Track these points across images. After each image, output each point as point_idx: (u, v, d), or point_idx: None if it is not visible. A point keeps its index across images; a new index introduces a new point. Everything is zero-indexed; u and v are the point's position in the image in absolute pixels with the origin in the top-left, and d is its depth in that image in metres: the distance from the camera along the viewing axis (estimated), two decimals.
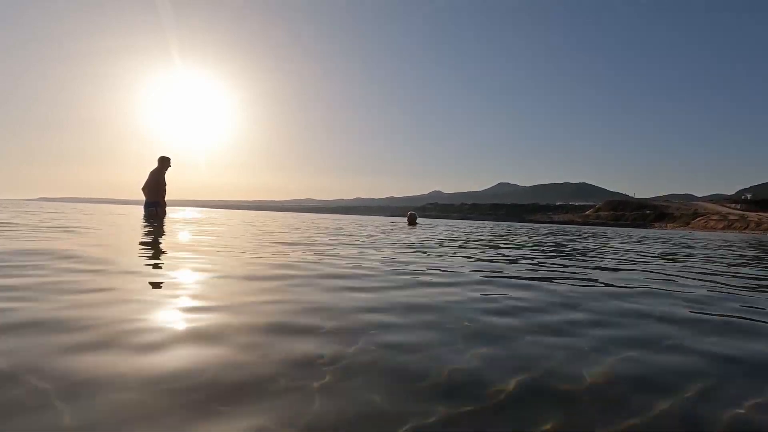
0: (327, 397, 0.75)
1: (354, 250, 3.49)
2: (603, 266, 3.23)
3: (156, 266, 2.13)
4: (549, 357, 1.04)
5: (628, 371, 0.97)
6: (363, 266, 2.50)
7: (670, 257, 4.59)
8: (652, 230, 49.49)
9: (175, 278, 1.84)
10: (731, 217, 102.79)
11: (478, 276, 2.34)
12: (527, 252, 4.34)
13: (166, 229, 5.15)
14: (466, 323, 1.30)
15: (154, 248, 2.97)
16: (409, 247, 4.15)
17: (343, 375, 0.86)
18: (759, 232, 77.18)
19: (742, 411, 0.79)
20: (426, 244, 4.74)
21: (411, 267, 2.58)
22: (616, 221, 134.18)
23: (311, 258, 2.79)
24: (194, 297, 1.48)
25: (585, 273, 2.74)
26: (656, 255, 4.81)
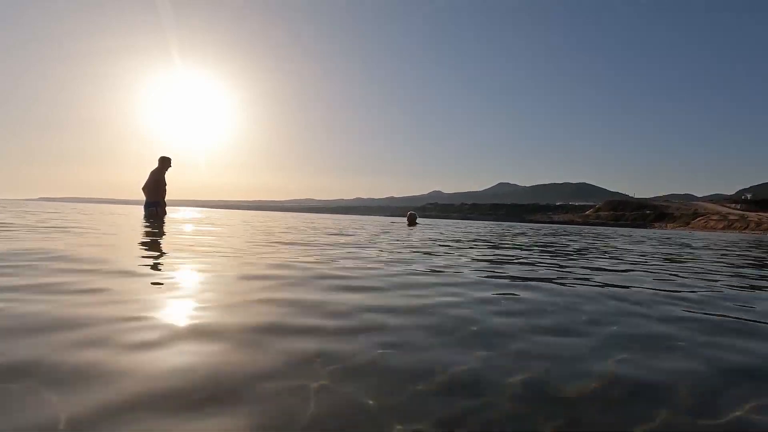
0: (324, 398, 0.74)
1: (353, 251, 3.48)
2: (605, 267, 3.22)
3: (153, 267, 2.13)
4: (549, 358, 1.03)
5: (629, 373, 0.96)
6: (362, 267, 2.49)
7: (671, 257, 4.58)
8: (652, 230, 49.49)
9: (171, 279, 1.83)
10: (731, 217, 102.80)
11: (478, 276, 2.33)
12: (527, 252, 4.33)
13: (165, 229, 5.14)
14: (466, 324, 1.29)
15: (152, 248, 2.97)
16: (409, 247, 4.15)
17: (342, 376, 0.85)
18: (759, 232, 77.17)
19: (740, 413, 0.78)
20: (426, 244, 4.74)
21: (411, 267, 2.57)
22: (616, 221, 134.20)
23: (311, 258, 2.78)
24: (190, 297, 1.47)
25: (586, 273, 2.73)
26: (658, 255, 4.80)
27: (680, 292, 2.12)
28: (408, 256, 3.24)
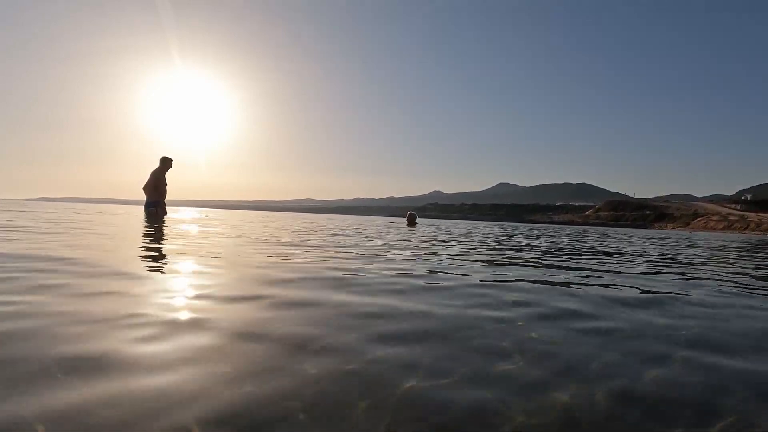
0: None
1: (353, 252, 3.46)
2: (608, 269, 3.21)
3: (150, 268, 2.11)
4: (550, 379, 0.99)
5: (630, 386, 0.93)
6: (362, 268, 2.47)
7: (672, 259, 4.56)
8: (653, 231, 49.46)
9: (168, 279, 1.80)
10: (731, 218, 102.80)
11: (479, 278, 2.31)
12: (527, 253, 4.32)
13: (164, 229, 5.13)
14: (468, 332, 1.27)
15: (150, 249, 2.95)
16: (408, 248, 4.13)
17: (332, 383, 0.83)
18: (759, 232, 77.14)
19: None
20: (425, 245, 4.72)
21: (410, 268, 2.55)
22: (616, 221, 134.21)
23: (310, 259, 2.76)
24: (188, 297, 1.45)
25: (586, 275, 2.71)
26: (660, 256, 4.79)
27: (686, 294, 2.10)
28: (407, 257, 3.22)
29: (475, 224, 24.10)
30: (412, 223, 12.77)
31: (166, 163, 9.59)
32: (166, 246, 3.26)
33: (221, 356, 0.94)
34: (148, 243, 3.42)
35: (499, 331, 1.26)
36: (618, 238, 10.87)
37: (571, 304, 1.71)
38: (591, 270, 3.02)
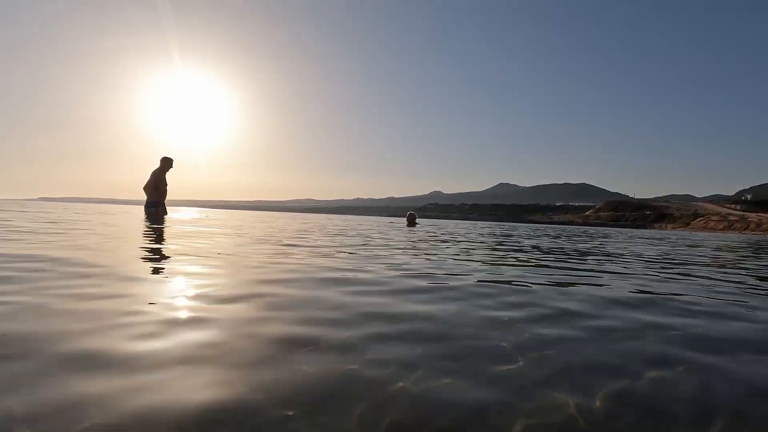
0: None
1: (352, 252, 3.46)
2: (608, 270, 3.21)
3: (149, 269, 2.11)
4: (551, 385, 0.98)
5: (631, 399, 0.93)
6: (361, 268, 2.47)
7: (675, 261, 4.56)
8: (653, 231, 49.49)
9: (168, 280, 1.80)
10: (731, 218, 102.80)
11: (478, 278, 2.31)
12: (527, 254, 4.32)
13: (164, 229, 5.13)
14: (466, 332, 1.27)
15: (149, 250, 2.95)
16: (407, 247, 4.14)
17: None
18: (759, 232, 77.14)
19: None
20: (424, 245, 4.72)
21: (409, 268, 2.55)
22: (616, 222, 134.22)
23: (310, 261, 2.77)
24: (187, 298, 1.45)
25: (586, 276, 2.71)
26: (663, 256, 4.79)
27: (681, 296, 2.10)
28: (406, 257, 3.22)
29: (475, 224, 24.09)
30: (411, 223, 12.76)
31: (166, 163, 9.59)
32: (166, 246, 3.26)
33: (218, 355, 0.94)
34: (148, 243, 3.42)
35: (498, 332, 1.25)
36: (618, 238, 10.86)
37: (570, 305, 1.70)
38: (591, 271, 3.02)
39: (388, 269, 2.50)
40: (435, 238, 6.40)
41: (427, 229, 10.67)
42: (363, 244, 4.34)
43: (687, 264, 3.99)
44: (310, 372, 0.88)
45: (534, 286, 2.15)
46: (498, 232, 11.38)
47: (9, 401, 0.68)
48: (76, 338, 1.00)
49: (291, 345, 1.04)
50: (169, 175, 9.69)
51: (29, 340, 0.98)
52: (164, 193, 9.66)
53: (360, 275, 2.22)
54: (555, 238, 9.43)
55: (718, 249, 7.74)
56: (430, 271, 2.53)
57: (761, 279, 3.04)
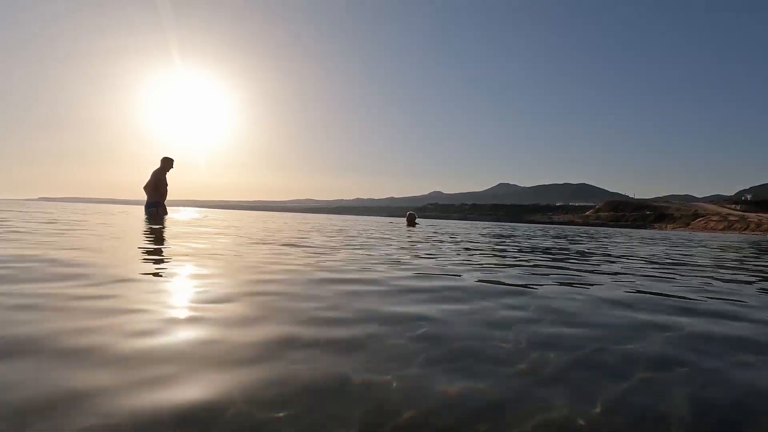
0: None
1: (351, 253, 3.46)
2: (607, 271, 3.20)
3: (148, 270, 2.10)
4: (544, 401, 0.97)
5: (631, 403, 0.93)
6: (359, 268, 2.47)
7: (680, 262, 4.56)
8: (653, 231, 49.49)
9: (167, 281, 1.79)
10: (731, 218, 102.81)
11: (477, 281, 2.31)
12: (526, 254, 4.31)
13: (164, 230, 5.12)
14: (466, 334, 1.27)
15: (148, 251, 2.94)
16: (406, 247, 4.13)
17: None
18: (759, 233, 77.13)
19: None
20: (423, 245, 4.71)
21: (407, 269, 2.55)
22: (616, 222, 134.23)
23: (309, 261, 2.76)
24: (186, 300, 1.44)
25: (586, 276, 2.71)
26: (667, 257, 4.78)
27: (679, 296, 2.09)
28: (404, 259, 3.21)
29: (475, 224, 24.09)
30: (411, 223, 12.76)
31: (167, 163, 9.59)
32: (165, 247, 3.25)
33: (210, 354, 0.93)
34: (147, 244, 3.42)
35: (498, 331, 1.25)
36: (618, 239, 10.86)
37: (571, 306, 1.70)
38: (591, 271, 3.02)
39: (387, 270, 2.50)
40: (435, 238, 6.40)
41: (427, 229, 10.66)
42: (362, 244, 4.33)
43: (687, 264, 3.98)
44: (306, 372, 0.87)
45: (534, 287, 2.15)
46: (498, 232, 11.38)
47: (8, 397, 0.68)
48: (68, 339, 0.99)
49: (287, 345, 1.03)
50: (170, 175, 9.69)
51: (21, 340, 0.97)
52: (164, 193, 9.65)
53: (358, 276, 2.21)
54: (555, 238, 9.43)
55: (722, 249, 7.73)
56: (430, 271, 2.53)
57: None
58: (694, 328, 1.43)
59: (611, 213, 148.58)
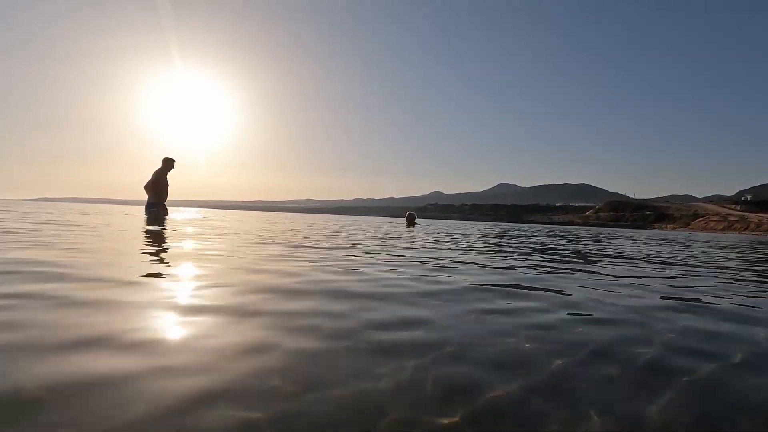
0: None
1: (349, 252, 3.45)
2: (613, 274, 3.19)
3: (147, 272, 2.09)
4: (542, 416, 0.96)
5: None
6: (357, 269, 2.46)
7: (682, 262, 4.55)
8: (653, 231, 49.47)
9: (165, 282, 1.77)
10: (731, 218, 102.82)
11: (476, 282, 2.30)
12: (526, 254, 4.31)
13: (163, 230, 5.11)
14: (465, 336, 1.25)
15: (147, 252, 2.94)
16: (406, 247, 4.12)
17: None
18: (759, 233, 77.14)
19: None
20: (422, 245, 4.70)
21: (407, 270, 2.54)
22: (616, 222, 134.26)
23: (308, 262, 2.75)
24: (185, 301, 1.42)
25: (585, 277, 2.70)
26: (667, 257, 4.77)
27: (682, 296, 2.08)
28: (404, 259, 3.20)
29: (475, 225, 24.09)
30: (411, 223, 12.76)
31: (168, 163, 9.58)
32: (164, 247, 3.25)
33: (209, 342, 0.92)
34: (146, 245, 3.41)
35: (497, 336, 1.23)
36: (618, 239, 10.85)
37: (571, 306, 1.68)
38: (590, 272, 3.01)
39: (385, 270, 2.49)
40: (434, 238, 6.39)
41: (427, 229, 10.65)
42: (361, 245, 4.33)
43: (687, 265, 3.97)
44: (303, 372, 0.86)
45: (531, 290, 2.14)
46: (498, 232, 11.37)
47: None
48: (62, 342, 0.98)
49: (285, 348, 1.02)
50: (170, 176, 9.67)
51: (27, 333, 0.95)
52: (165, 193, 9.64)
53: (357, 277, 2.20)
54: (555, 238, 9.42)
55: (722, 248, 7.72)
56: (430, 272, 2.52)
57: None
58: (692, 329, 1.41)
59: (611, 213, 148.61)
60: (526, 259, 3.72)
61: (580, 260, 3.95)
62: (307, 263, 2.67)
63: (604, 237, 12.41)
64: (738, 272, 3.54)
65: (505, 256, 3.92)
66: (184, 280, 1.87)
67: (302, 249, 3.61)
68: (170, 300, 1.47)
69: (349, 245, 4.27)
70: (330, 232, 7.01)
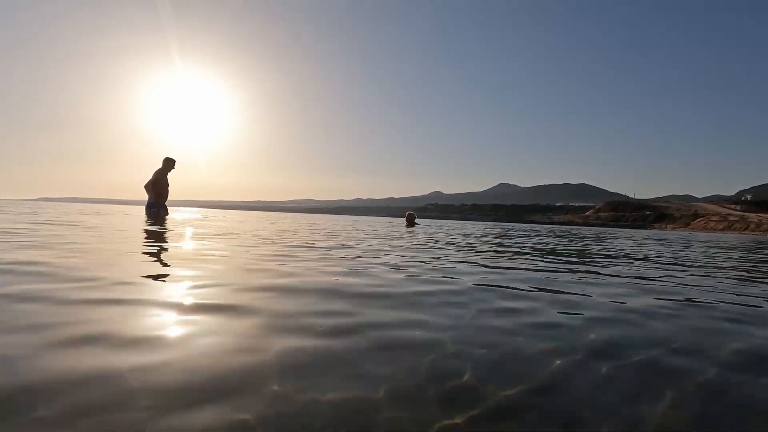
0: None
1: (348, 253, 3.45)
2: (608, 272, 3.19)
3: (146, 273, 2.09)
4: None
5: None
6: (357, 270, 2.46)
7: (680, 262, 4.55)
8: (653, 231, 49.48)
9: (164, 283, 1.77)
10: (731, 218, 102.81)
11: (477, 282, 2.30)
12: (526, 255, 4.30)
13: (163, 231, 5.11)
14: (465, 337, 1.25)
15: (146, 253, 2.93)
16: (405, 248, 4.12)
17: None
18: (759, 233, 77.16)
19: None
20: (421, 245, 4.70)
21: (406, 271, 2.53)
22: (616, 222, 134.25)
23: (307, 262, 2.75)
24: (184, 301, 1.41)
25: (584, 278, 2.70)
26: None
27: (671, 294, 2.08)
28: (404, 259, 3.20)
29: (476, 225, 24.08)
30: (411, 223, 12.76)
31: (168, 163, 9.58)
32: (164, 247, 3.24)
33: (206, 340, 0.91)
34: (145, 245, 3.41)
35: (498, 336, 1.23)
36: (618, 239, 10.85)
37: (568, 306, 1.68)
38: (590, 272, 3.01)
39: (385, 271, 2.49)
40: (434, 238, 6.38)
41: (426, 229, 10.65)
42: (361, 245, 4.32)
43: (689, 265, 3.97)
44: (303, 376, 0.86)
45: (531, 290, 2.14)
46: (498, 232, 11.36)
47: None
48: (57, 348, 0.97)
49: (281, 347, 1.02)
50: (170, 176, 9.67)
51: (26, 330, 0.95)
52: (166, 193, 9.64)
53: (356, 278, 2.20)
54: (555, 238, 9.42)
55: (720, 248, 7.72)
56: (429, 272, 2.52)
57: None
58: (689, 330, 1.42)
59: (611, 213, 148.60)
60: (527, 259, 3.72)
61: (580, 260, 3.95)
62: (306, 263, 2.67)
63: (604, 237, 12.41)
64: (738, 272, 3.54)
65: (505, 256, 3.92)
66: (183, 280, 1.86)
67: (302, 249, 3.60)
68: (168, 299, 1.46)
69: (349, 245, 4.27)
70: (329, 232, 7.00)
